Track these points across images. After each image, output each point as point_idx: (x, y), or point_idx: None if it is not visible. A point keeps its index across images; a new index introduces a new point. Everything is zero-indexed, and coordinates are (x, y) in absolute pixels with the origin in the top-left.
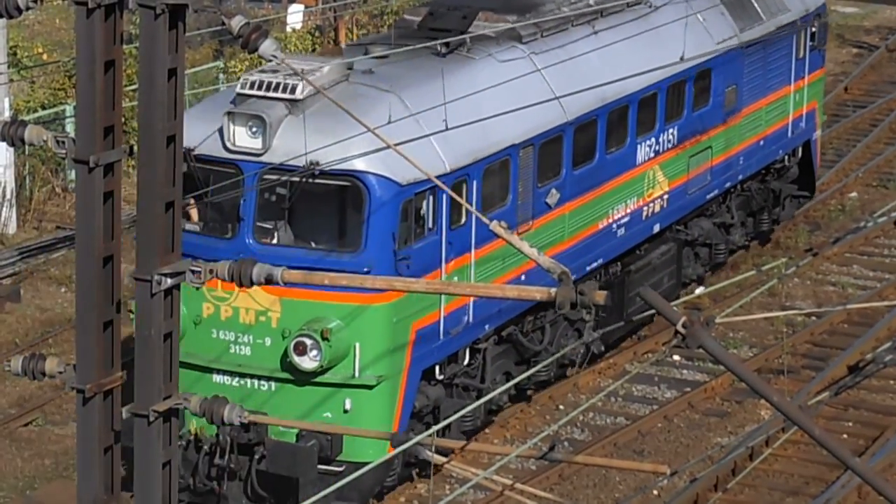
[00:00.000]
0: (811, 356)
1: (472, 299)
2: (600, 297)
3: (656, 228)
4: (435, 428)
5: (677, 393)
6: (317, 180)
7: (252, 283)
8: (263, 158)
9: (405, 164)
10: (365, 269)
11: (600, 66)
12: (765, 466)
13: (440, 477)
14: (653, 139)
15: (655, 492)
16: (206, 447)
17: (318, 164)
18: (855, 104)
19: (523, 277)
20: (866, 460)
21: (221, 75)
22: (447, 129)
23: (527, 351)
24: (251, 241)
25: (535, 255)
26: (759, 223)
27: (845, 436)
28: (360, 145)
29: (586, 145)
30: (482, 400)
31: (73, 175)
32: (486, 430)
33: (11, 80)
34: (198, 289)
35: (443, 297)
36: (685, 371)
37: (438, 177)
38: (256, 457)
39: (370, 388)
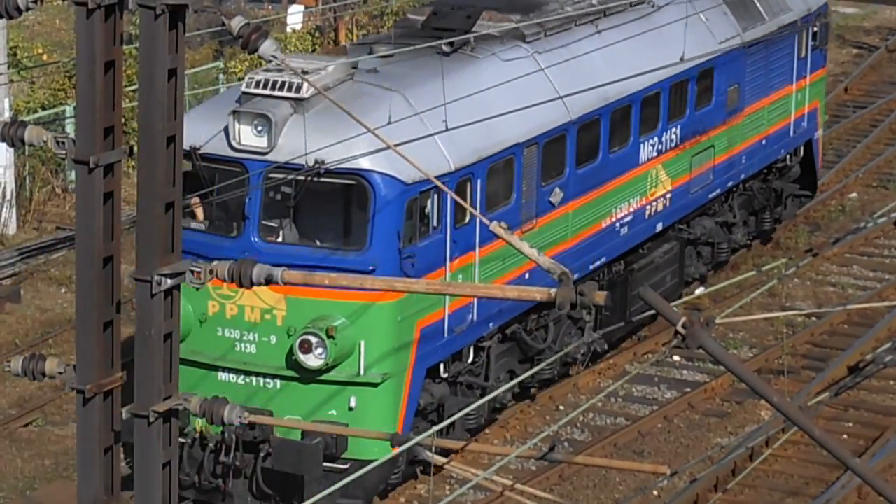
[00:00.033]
0: (811, 357)
1: (475, 298)
2: (600, 297)
3: (659, 227)
4: (438, 426)
5: (677, 393)
6: (322, 179)
7: (252, 284)
8: (269, 157)
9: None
10: (370, 268)
11: (603, 65)
12: (765, 467)
13: (440, 477)
14: (656, 138)
15: (655, 492)
16: (211, 445)
17: (323, 162)
18: (855, 105)
19: (527, 276)
20: (866, 461)
21: (221, 76)
22: (447, 129)
23: (530, 349)
24: (256, 239)
25: (534, 256)
26: (761, 222)
27: (845, 436)
28: (365, 144)
29: (590, 144)
30: (486, 398)
31: (73, 175)
32: (487, 431)
33: (11, 81)
34: (198, 289)
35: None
36: (685, 371)
37: (443, 175)
38: (262, 454)
39: (375, 385)
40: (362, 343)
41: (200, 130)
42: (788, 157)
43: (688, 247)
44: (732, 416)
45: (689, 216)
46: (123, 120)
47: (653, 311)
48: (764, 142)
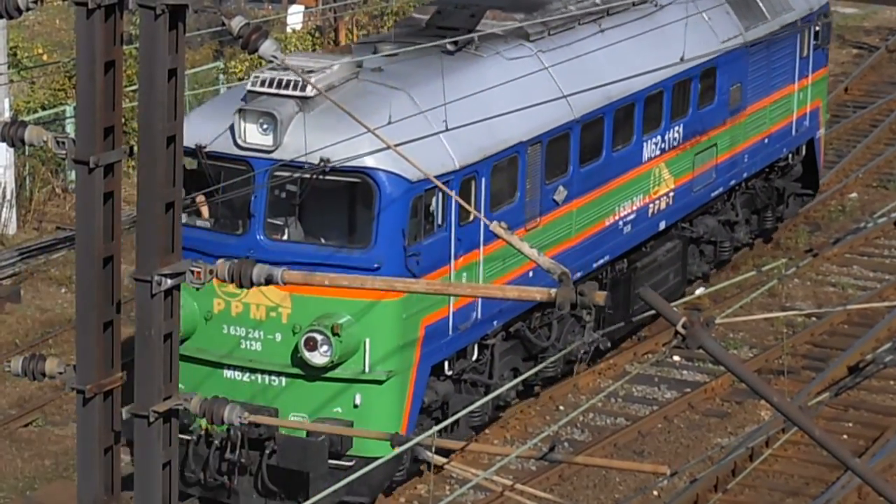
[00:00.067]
0: (811, 357)
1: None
2: (600, 297)
3: (662, 226)
4: (440, 425)
5: (677, 393)
6: (327, 177)
7: (252, 284)
8: (274, 155)
9: (415, 161)
10: (375, 266)
11: (607, 64)
12: (765, 467)
13: (440, 477)
14: (659, 137)
15: (655, 492)
16: (216, 442)
17: (328, 160)
18: (855, 105)
19: (531, 274)
20: (866, 461)
21: (221, 76)
22: (452, 128)
23: (534, 347)
24: (262, 237)
25: (534, 256)
26: (763, 221)
27: (845, 436)
28: (370, 142)
29: (593, 143)
30: (490, 396)
31: (73, 175)
32: (487, 431)
33: (11, 81)
34: (198, 289)
35: None
36: (685, 372)
37: (448, 173)
38: (267, 451)
39: (380, 383)
40: (367, 340)
41: (206, 129)
42: (790, 155)
43: (690, 245)
44: (732, 416)
45: (692, 215)
46: (123, 120)
47: (653, 311)
48: (766, 141)
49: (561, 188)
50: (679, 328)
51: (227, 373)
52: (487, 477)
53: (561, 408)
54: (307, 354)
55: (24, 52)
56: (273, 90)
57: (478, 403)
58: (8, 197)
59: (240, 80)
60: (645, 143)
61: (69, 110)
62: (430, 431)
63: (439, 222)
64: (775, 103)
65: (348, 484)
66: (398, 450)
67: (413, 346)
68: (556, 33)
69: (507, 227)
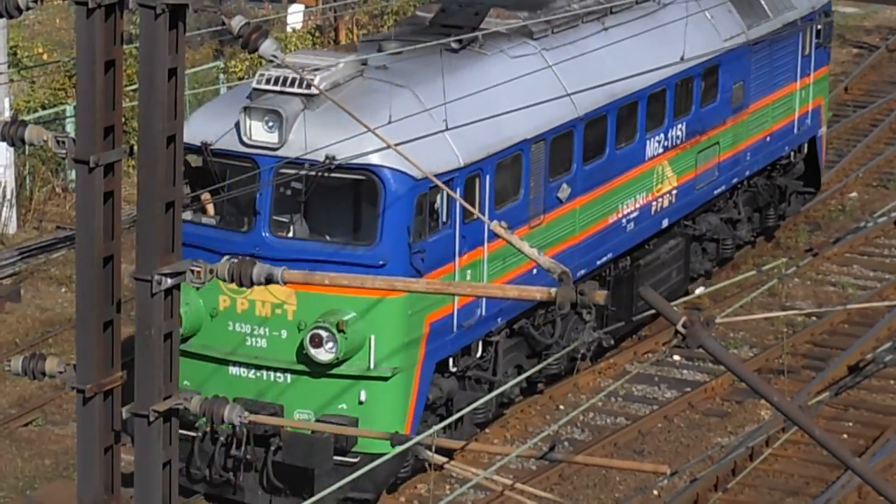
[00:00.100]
0: (811, 356)
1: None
2: (600, 297)
3: (665, 223)
4: (442, 423)
5: (677, 393)
6: (332, 174)
7: (252, 283)
8: (279, 153)
9: (420, 158)
10: (380, 263)
11: (610, 62)
12: (765, 466)
13: (440, 476)
14: (662, 135)
15: (655, 492)
16: (222, 439)
17: (334, 158)
18: (855, 104)
19: (535, 272)
20: (866, 460)
21: (221, 75)
22: (456, 126)
23: (538, 344)
24: (267, 234)
25: (535, 255)
26: (765, 219)
27: (845, 436)
28: (376, 140)
29: (596, 141)
30: (494, 392)
31: (73, 175)
32: (487, 430)
33: (11, 80)
34: (198, 289)
35: None
36: (685, 371)
37: (452, 170)
38: (272, 448)
39: (385, 380)
40: (373, 337)
41: (212, 126)
42: (792, 154)
43: (693, 243)
44: (732, 416)
45: (695, 212)
46: (123, 120)
47: (653, 310)
48: (768, 139)
49: (564, 186)
50: (679, 327)
51: (233, 369)
52: (488, 476)
53: (561, 407)
54: (312, 351)
55: (25, 52)
56: (279, 88)
57: (482, 400)
58: (8, 196)
59: (240, 79)
60: (648, 141)
61: (69, 110)
62: (430, 431)
63: (444, 219)
64: (777, 101)
65: (353, 480)
66: (399, 449)
67: (418, 343)
68: (559, 31)
69: (508, 226)
